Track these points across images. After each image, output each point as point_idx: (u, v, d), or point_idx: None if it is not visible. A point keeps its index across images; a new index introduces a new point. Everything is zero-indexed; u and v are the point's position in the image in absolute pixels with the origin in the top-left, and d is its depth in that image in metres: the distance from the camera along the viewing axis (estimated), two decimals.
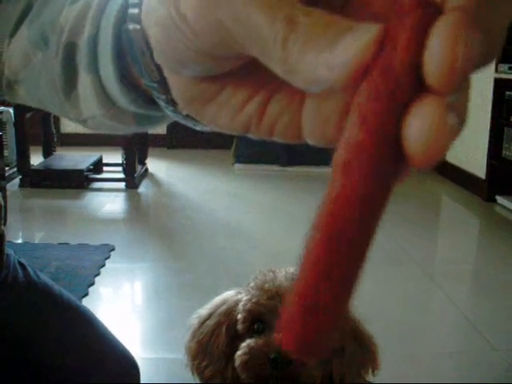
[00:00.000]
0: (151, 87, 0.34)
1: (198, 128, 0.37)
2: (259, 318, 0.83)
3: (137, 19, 0.31)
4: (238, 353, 0.82)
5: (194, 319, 0.92)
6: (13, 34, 0.47)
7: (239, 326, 0.85)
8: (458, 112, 0.21)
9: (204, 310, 0.92)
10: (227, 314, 0.89)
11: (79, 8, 0.39)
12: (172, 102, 0.34)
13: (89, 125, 0.45)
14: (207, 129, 0.36)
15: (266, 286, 0.84)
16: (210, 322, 0.89)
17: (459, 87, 0.20)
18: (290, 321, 0.22)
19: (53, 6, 0.42)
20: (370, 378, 0.90)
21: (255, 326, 0.84)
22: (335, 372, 0.85)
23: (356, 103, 0.20)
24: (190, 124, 0.36)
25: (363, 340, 0.90)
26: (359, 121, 0.20)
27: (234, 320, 0.87)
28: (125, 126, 0.43)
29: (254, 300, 0.84)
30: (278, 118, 0.29)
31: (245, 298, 0.86)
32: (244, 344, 0.82)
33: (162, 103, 0.35)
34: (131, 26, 0.32)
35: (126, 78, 0.37)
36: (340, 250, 0.22)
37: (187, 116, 0.34)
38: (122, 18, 0.34)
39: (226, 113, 0.30)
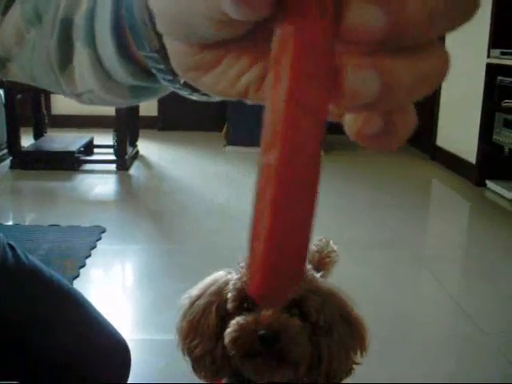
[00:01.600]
0: (150, 58, 0.34)
1: (193, 97, 0.38)
2: (249, 297, 0.83)
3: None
4: (228, 330, 0.83)
5: (185, 299, 0.93)
6: (4, 13, 0.47)
7: (229, 305, 0.86)
8: None
9: (195, 291, 0.93)
10: (217, 294, 0.89)
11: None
12: (171, 72, 0.34)
13: (84, 99, 0.45)
14: (203, 98, 0.37)
15: None
16: (201, 302, 0.90)
17: None
18: (256, 266, 0.22)
19: None
20: (358, 359, 0.91)
21: (244, 305, 0.84)
22: (324, 351, 0.86)
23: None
24: (185, 93, 0.37)
25: (352, 322, 0.91)
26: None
27: (224, 299, 0.88)
28: (120, 99, 0.43)
29: (244, 279, 0.85)
30: None
31: (235, 277, 0.87)
32: (233, 321, 0.82)
33: (159, 74, 0.36)
34: (134, 0, 0.33)
35: (123, 52, 0.37)
36: (294, 191, 0.21)
37: (184, 85, 0.35)
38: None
39: (225, 80, 0.30)
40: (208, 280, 0.93)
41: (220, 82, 0.31)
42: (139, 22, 0.33)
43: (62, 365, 1.16)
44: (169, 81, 0.36)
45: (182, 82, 0.35)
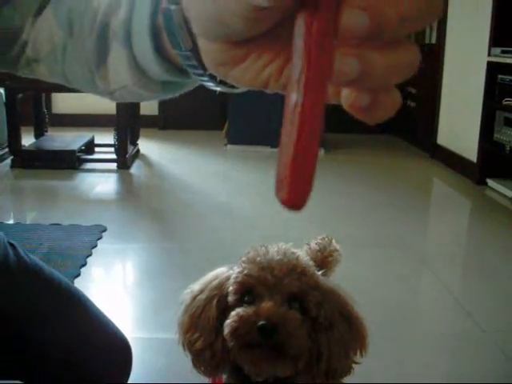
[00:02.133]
0: (184, 56, 0.41)
1: (218, 88, 0.45)
2: (249, 290, 0.84)
3: (176, 1, 0.39)
4: (228, 321, 0.83)
5: (187, 294, 0.93)
6: (37, 15, 0.53)
7: (230, 298, 0.86)
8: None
9: (196, 285, 0.93)
10: (218, 288, 0.89)
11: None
12: (202, 67, 0.41)
13: (116, 96, 0.52)
14: (227, 90, 0.45)
15: (258, 259, 0.85)
16: (202, 296, 0.90)
17: None
18: (287, 178, 0.30)
19: None
20: (358, 359, 0.91)
21: (245, 298, 0.85)
22: (323, 348, 0.86)
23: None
24: (211, 85, 0.44)
25: (353, 321, 0.90)
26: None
27: (224, 293, 0.88)
28: (151, 94, 0.50)
29: (245, 272, 0.85)
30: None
31: (236, 271, 0.87)
32: (233, 312, 0.82)
33: (190, 69, 0.42)
34: (172, 7, 0.39)
35: (159, 52, 0.44)
36: (315, 117, 0.31)
37: (212, 77, 0.42)
38: (156, 2, 0.42)
39: (250, 73, 0.37)
40: (209, 275, 0.93)
41: (246, 75, 0.38)
42: (176, 26, 0.40)
43: (62, 361, 1.16)
44: (199, 75, 0.43)
45: (209, 75, 0.42)
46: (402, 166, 4.83)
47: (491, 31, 3.86)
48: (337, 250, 1.25)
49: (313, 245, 1.25)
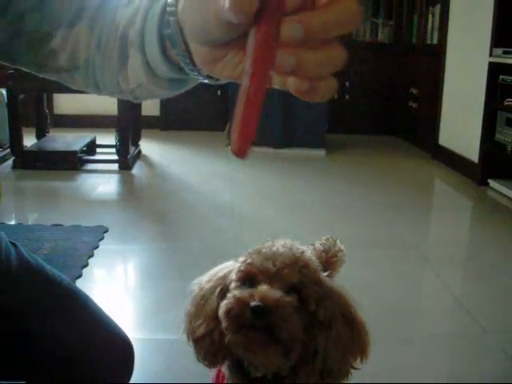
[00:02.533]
0: (182, 56, 0.56)
1: (206, 80, 0.59)
2: (251, 279, 0.86)
3: (174, 14, 0.53)
4: (223, 302, 0.84)
5: (195, 285, 0.96)
6: (69, 26, 0.67)
7: (231, 285, 0.88)
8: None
9: (204, 277, 0.96)
10: (223, 278, 0.92)
11: (131, 11, 0.62)
12: (194, 64, 0.56)
13: (136, 94, 0.67)
14: (213, 82, 0.59)
15: (263, 250, 0.87)
16: (207, 286, 0.93)
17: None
18: (236, 133, 0.43)
19: (107, 11, 0.66)
20: (357, 364, 0.91)
21: (245, 284, 0.86)
22: (320, 346, 0.86)
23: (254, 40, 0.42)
24: (201, 78, 0.58)
25: (355, 325, 0.90)
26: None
27: (228, 283, 0.90)
28: (161, 90, 0.65)
29: (248, 261, 0.87)
30: None
31: (241, 260, 0.89)
32: (230, 294, 0.84)
33: (186, 66, 0.57)
34: (171, 18, 0.54)
35: (165, 55, 0.59)
36: (257, 99, 0.42)
37: (200, 73, 0.57)
38: (162, 16, 0.57)
39: (229, 68, 0.51)
40: (217, 268, 0.96)
41: (226, 69, 0.52)
42: (175, 35, 0.54)
43: (64, 360, 1.16)
44: (191, 70, 0.57)
45: (199, 71, 0.56)
46: (403, 166, 4.83)
47: (493, 32, 3.86)
48: (341, 251, 1.25)
49: (317, 245, 1.26)
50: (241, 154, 0.44)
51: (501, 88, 3.86)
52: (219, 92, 5.71)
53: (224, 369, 0.96)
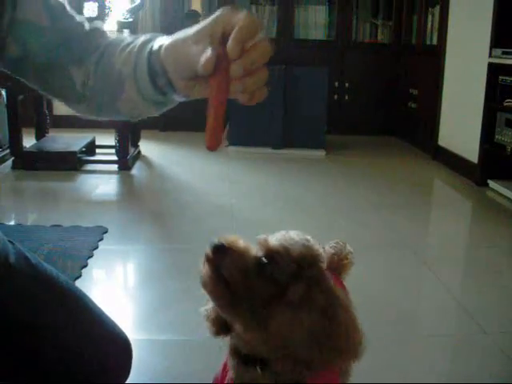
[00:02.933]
0: (166, 85, 0.84)
1: (183, 99, 0.89)
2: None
3: (157, 55, 0.82)
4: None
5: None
6: (97, 64, 0.95)
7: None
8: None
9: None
10: None
11: (125, 55, 0.89)
12: (175, 90, 0.85)
13: (133, 114, 0.96)
14: (188, 99, 0.87)
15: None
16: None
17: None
18: (210, 136, 0.72)
19: (112, 53, 0.93)
20: (350, 366, 0.91)
21: None
22: (283, 325, 0.83)
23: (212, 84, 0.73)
24: (180, 98, 0.88)
25: (339, 324, 0.84)
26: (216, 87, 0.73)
27: None
28: (149, 109, 0.93)
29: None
30: None
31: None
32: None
33: (170, 92, 0.86)
34: (155, 57, 0.83)
35: (153, 83, 0.86)
36: (221, 103, 0.72)
37: (179, 95, 0.86)
38: (150, 55, 0.84)
39: (197, 92, 0.81)
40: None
41: (200, 93, 0.81)
42: (160, 73, 0.84)
43: (61, 358, 1.16)
44: (174, 93, 0.86)
45: (179, 93, 0.86)
46: (402, 167, 4.83)
47: (492, 32, 3.86)
48: (351, 253, 1.28)
49: (328, 248, 1.27)
50: (212, 148, 0.72)
51: (500, 88, 3.86)
52: None
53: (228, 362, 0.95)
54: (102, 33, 0.99)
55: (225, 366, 0.99)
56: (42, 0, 0.93)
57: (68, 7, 0.97)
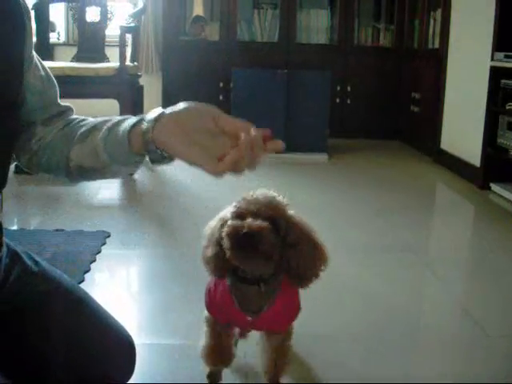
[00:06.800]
0: (154, 152, 0.98)
1: (168, 159, 1.02)
2: (241, 215, 1.24)
3: (149, 131, 0.95)
4: (224, 229, 1.23)
5: (207, 227, 1.38)
6: (84, 139, 1.08)
7: (229, 221, 1.26)
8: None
9: (213, 221, 1.38)
10: (223, 218, 1.34)
11: (105, 133, 1.02)
12: (162, 154, 0.98)
13: (113, 174, 1.11)
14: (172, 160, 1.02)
15: (248, 198, 1.29)
16: (213, 224, 1.36)
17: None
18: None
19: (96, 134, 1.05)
20: (322, 269, 1.30)
21: (239, 218, 1.26)
22: (292, 259, 1.27)
23: None
24: (165, 161, 1.02)
25: (315, 244, 1.31)
26: None
27: (226, 219, 1.29)
28: (125, 169, 1.07)
29: (239, 205, 1.28)
30: None
31: (233, 205, 1.30)
32: (229, 222, 1.24)
33: (153, 155, 0.99)
34: (150, 134, 0.95)
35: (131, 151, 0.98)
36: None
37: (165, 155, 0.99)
38: (133, 129, 0.98)
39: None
40: (220, 213, 1.38)
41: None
42: (152, 149, 0.97)
43: (65, 359, 1.16)
44: (160, 156, 1.00)
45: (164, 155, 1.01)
46: (405, 170, 4.83)
47: (494, 36, 3.86)
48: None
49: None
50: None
51: (502, 92, 3.86)
52: (221, 97, 5.72)
53: (227, 281, 1.35)
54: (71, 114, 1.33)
55: (215, 285, 1.38)
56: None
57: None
